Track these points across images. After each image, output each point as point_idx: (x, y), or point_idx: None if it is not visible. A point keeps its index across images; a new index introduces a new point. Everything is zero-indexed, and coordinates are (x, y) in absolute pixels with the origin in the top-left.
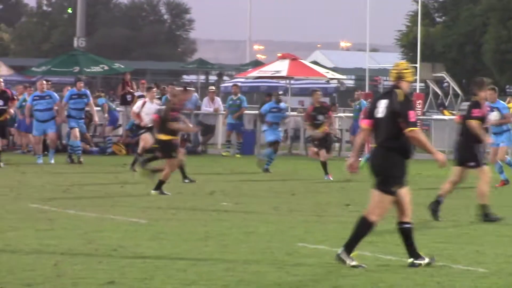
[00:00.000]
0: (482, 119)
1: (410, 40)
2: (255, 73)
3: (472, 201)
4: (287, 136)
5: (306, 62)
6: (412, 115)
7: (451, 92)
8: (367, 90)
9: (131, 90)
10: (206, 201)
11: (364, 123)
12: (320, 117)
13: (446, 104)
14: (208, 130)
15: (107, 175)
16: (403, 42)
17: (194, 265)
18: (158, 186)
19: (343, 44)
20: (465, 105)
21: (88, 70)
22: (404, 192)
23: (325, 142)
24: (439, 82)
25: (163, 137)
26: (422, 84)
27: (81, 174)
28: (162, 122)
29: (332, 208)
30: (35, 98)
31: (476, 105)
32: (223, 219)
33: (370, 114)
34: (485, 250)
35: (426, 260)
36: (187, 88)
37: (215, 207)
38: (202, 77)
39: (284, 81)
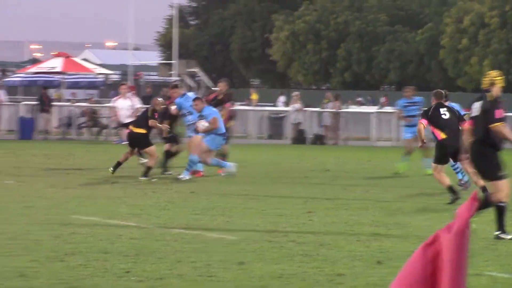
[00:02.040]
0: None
1: (168, 40)
2: (33, 69)
3: (229, 178)
4: (61, 123)
5: (78, 60)
6: (497, 113)
7: (202, 85)
8: (130, 84)
9: None
10: None
11: (466, 124)
12: (219, 108)
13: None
14: None
15: None
16: (161, 42)
17: None
18: (146, 173)
19: (108, 43)
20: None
21: None
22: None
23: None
24: (193, 76)
25: (140, 130)
26: (178, 78)
27: None
28: (143, 119)
29: (102, 185)
30: None
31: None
32: (6, 195)
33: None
34: (234, 220)
35: (509, 236)
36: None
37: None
38: None
39: (58, 76)
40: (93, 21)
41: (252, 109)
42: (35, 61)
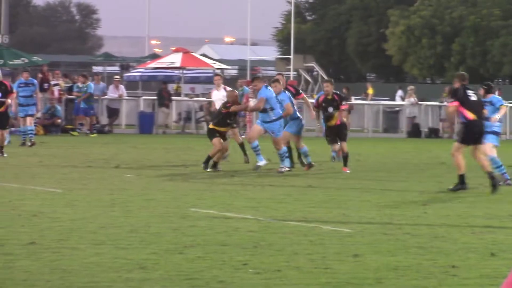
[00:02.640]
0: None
1: (285, 35)
2: (153, 64)
3: (334, 171)
4: (180, 118)
5: (196, 55)
6: None
7: (320, 79)
8: (248, 78)
9: (48, 79)
10: (113, 173)
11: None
12: (330, 109)
13: (316, 89)
14: (113, 113)
15: (27, 151)
16: (278, 37)
17: (102, 227)
18: (210, 163)
19: (227, 39)
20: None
21: (11, 62)
22: None
23: (339, 134)
24: (309, 71)
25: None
26: (295, 73)
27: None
28: (217, 114)
29: (221, 178)
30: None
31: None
32: (127, 188)
33: None
34: (350, 213)
35: None
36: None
37: (120, 178)
38: (108, 68)
39: (178, 71)
40: (212, 17)
41: (368, 103)
42: (155, 57)
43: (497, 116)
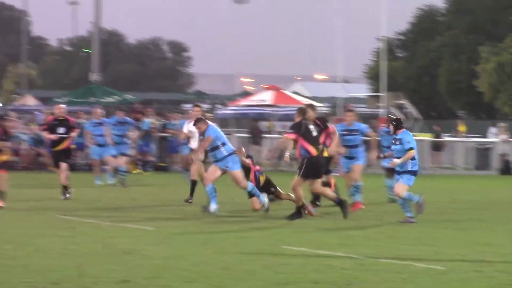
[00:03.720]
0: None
1: (376, 72)
2: (245, 101)
3: (432, 210)
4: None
5: (288, 92)
6: None
7: (411, 117)
8: (339, 116)
9: (140, 117)
10: (205, 211)
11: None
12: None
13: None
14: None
15: (120, 189)
16: (369, 74)
17: (195, 265)
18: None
19: (317, 76)
20: None
21: (103, 100)
22: None
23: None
24: (400, 108)
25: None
26: (386, 110)
27: (99, 189)
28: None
29: (311, 216)
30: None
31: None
32: (219, 226)
33: None
34: (442, 251)
35: None
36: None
37: (212, 216)
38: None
39: (269, 109)
40: (302, 54)
41: (459, 140)
42: (246, 94)
43: (399, 160)
